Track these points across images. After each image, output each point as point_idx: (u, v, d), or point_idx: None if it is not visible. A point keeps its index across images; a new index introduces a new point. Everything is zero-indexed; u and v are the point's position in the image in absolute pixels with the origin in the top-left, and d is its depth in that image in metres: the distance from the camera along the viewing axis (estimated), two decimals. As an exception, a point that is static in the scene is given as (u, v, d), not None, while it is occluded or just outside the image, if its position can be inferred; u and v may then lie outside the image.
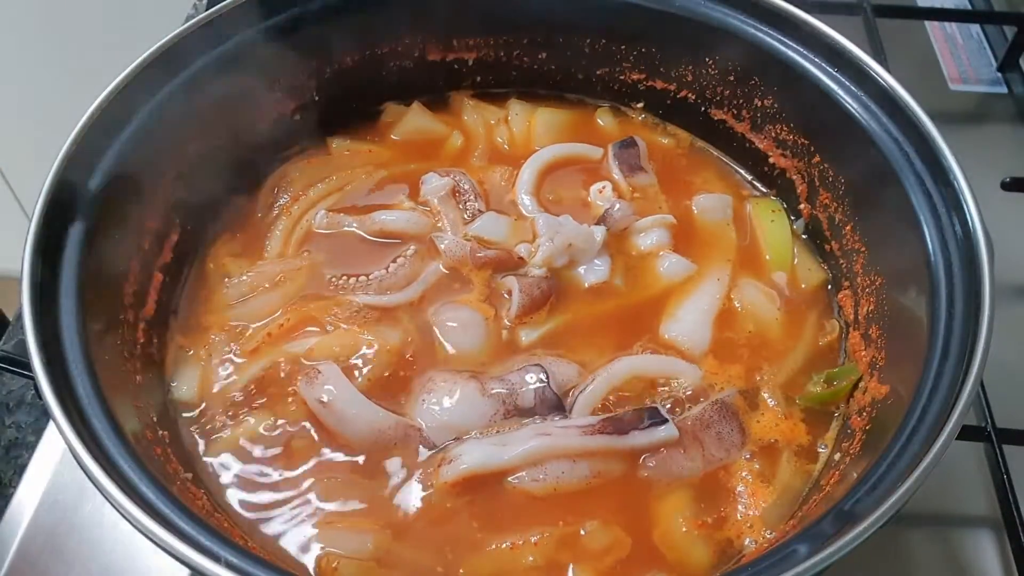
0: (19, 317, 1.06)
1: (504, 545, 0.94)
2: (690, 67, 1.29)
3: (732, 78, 1.25)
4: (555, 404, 1.02)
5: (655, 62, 1.31)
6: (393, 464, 1.00)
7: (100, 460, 0.80)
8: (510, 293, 1.12)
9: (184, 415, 1.05)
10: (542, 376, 1.03)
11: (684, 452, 0.99)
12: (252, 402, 1.05)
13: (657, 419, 1.00)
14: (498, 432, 1.00)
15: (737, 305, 1.16)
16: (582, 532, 0.95)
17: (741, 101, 1.26)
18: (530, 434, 0.99)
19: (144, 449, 0.89)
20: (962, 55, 1.70)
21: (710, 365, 1.10)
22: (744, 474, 1.00)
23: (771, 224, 1.24)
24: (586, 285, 1.16)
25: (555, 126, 1.35)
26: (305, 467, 1.00)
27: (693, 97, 1.31)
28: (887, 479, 0.82)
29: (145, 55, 1.07)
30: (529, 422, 1.01)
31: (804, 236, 1.24)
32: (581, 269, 1.17)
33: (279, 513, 0.97)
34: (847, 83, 1.10)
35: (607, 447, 0.98)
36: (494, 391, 1.02)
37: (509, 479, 0.97)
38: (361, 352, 1.08)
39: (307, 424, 1.03)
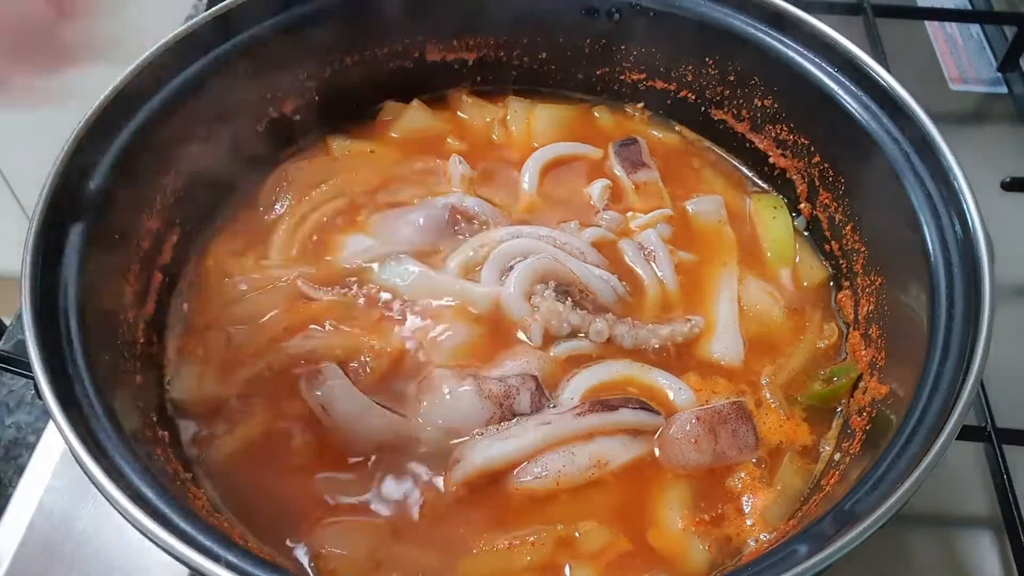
0: (19, 317, 1.06)
1: (501, 545, 0.94)
2: (690, 67, 1.29)
3: (732, 78, 1.25)
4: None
5: (655, 62, 1.31)
6: (392, 464, 1.00)
7: (100, 460, 0.80)
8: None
9: (184, 415, 1.05)
10: (535, 384, 1.04)
11: (695, 443, 1.00)
12: (252, 402, 1.05)
13: (647, 407, 1.02)
14: (498, 431, 1.01)
15: (743, 305, 1.16)
16: (579, 533, 0.95)
17: (741, 101, 1.26)
18: (531, 426, 1.00)
19: (144, 449, 0.89)
20: (962, 55, 1.70)
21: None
22: (743, 474, 1.00)
23: (772, 221, 1.24)
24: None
25: (554, 123, 1.35)
26: (305, 466, 1.00)
27: (693, 97, 1.31)
28: (887, 479, 0.82)
29: (145, 55, 1.07)
30: (526, 418, 1.02)
31: (806, 233, 1.24)
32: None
33: (278, 512, 0.97)
34: (847, 83, 1.10)
35: (601, 425, 1.00)
36: (492, 392, 1.02)
37: (511, 479, 0.98)
38: (362, 353, 1.08)
39: (307, 424, 1.03)
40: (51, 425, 1.16)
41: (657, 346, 1.11)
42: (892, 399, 0.97)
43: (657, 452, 1.01)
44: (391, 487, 0.99)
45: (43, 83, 2.20)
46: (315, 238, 1.21)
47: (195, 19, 1.12)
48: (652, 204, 1.26)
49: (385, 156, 1.31)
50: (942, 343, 0.90)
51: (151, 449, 0.92)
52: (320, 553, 0.94)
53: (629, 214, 1.25)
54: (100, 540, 1.06)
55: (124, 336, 1.01)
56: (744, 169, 1.32)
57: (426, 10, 1.27)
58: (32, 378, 0.84)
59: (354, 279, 1.16)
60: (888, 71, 1.07)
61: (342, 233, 1.21)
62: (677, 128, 1.36)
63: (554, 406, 1.04)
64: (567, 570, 0.94)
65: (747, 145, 1.29)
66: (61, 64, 2.18)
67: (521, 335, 1.11)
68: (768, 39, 1.17)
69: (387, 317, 1.12)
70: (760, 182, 1.31)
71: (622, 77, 1.35)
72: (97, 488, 0.78)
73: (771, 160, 1.27)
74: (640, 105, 1.37)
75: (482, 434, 1.01)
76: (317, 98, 1.28)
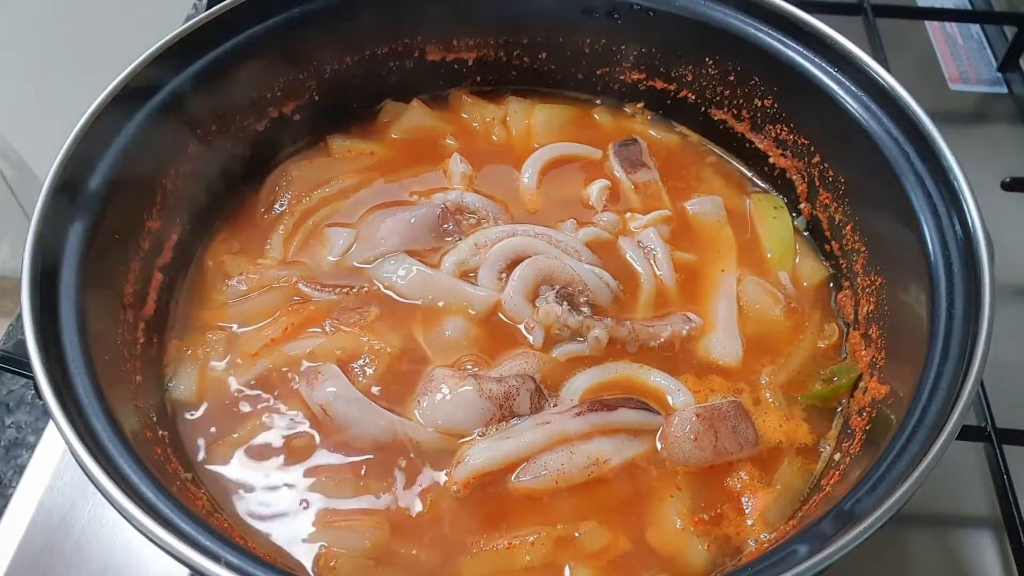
0: (19, 317, 1.06)
1: (501, 545, 0.94)
2: (690, 67, 1.29)
3: (732, 78, 1.25)
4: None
5: (655, 62, 1.31)
6: (392, 464, 1.00)
7: (100, 460, 0.80)
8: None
9: (184, 415, 1.05)
10: (535, 385, 1.04)
11: (696, 440, 1.00)
12: (252, 402, 1.05)
13: (646, 407, 1.03)
14: (498, 431, 1.01)
15: (743, 305, 1.16)
16: (578, 533, 0.95)
17: (741, 101, 1.26)
18: (531, 425, 1.00)
19: (144, 449, 0.89)
20: (962, 55, 1.70)
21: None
22: (743, 474, 1.00)
23: (772, 221, 1.24)
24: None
25: (554, 123, 1.35)
26: (305, 466, 1.00)
27: (693, 97, 1.31)
28: (887, 479, 0.82)
29: (145, 55, 1.07)
30: (526, 418, 1.02)
31: (806, 233, 1.24)
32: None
33: (278, 512, 0.97)
34: (847, 83, 1.10)
35: (600, 424, 1.00)
36: (492, 393, 1.02)
37: (512, 478, 0.98)
38: (362, 354, 1.08)
39: (307, 424, 1.03)
40: (51, 425, 1.16)
41: (661, 343, 1.11)
42: (892, 399, 0.97)
43: (659, 446, 1.01)
44: (391, 487, 0.99)
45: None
46: (314, 238, 1.21)
47: (195, 19, 1.12)
48: (651, 204, 1.26)
49: (385, 156, 1.31)
50: (942, 343, 0.90)
51: (151, 449, 0.92)
52: (320, 552, 0.94)
53: (628, 215, 1.25)
54: (100, 540, 1.06)
55: (124, 336, 1.01)
56: (744, 169, 1.32)
57: (426, 10, 1.27)
58: (32, 378, 0.84)
59: (353, 279, 1.16)
60: (888, 71, 1.07)
61: (341, 233, 1.21)
62: (677, 128, 1.36)
63: (554, 406, 1.04)
64: (567, 570, 0.94)
65: (747, 145, 1.29)
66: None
67: (522, 335, 1.10)
68: (768, 39, 1.17)
69: (386, 317, 1.12)
70: (760, 182, 1.31)
71: (622, 77, 1.35)
72: (97, 488, 0.78)
73: (771, 160, 1.27)
74: (640, 105, 1.37)
75: (482, 434, 1.01)
76: (317, 98, 1.28)
